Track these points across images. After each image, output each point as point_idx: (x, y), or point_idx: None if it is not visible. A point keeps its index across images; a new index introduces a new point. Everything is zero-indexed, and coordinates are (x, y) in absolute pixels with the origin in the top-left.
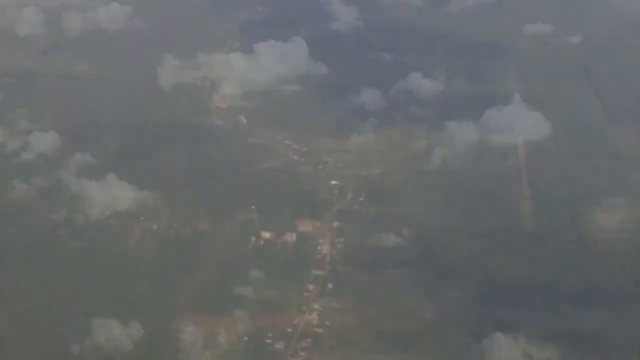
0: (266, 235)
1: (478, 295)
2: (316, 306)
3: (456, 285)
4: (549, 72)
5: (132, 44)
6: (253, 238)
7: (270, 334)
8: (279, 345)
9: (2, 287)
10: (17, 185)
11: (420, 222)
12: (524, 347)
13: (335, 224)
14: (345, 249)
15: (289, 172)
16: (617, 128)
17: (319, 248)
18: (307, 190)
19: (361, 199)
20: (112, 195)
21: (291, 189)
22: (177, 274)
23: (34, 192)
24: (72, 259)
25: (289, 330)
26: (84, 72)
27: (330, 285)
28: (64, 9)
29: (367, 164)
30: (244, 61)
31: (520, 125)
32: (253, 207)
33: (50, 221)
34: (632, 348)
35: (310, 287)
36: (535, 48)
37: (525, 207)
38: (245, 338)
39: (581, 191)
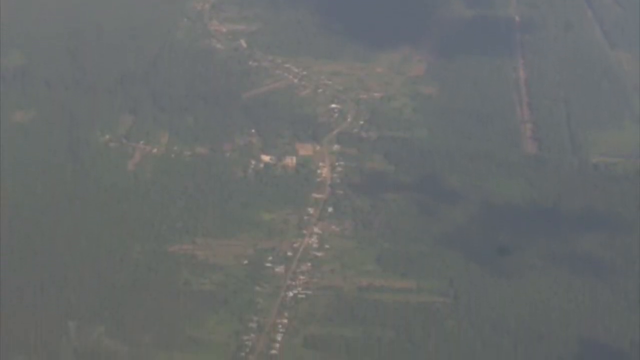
0: (266, 158)
1: (478, 219)
2: (316, 230)
3: (456, 208)
4: None
5: None
6: (253, 162)
7: (270, 258)
8: (279, 269)
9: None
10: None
11: (420, 145)
12: None
13: (335, 147)
14: (345, 173)
15: (289, 96)
16: (617, 51)
17: (318, 172)
18: (307, 114)
19: (361, 122)
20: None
21: (291, 112)
22: (177, 198)
23: (33, 115)
24: (72, 181)
25: (289, 253)
26: None
27: (330, 209)
28: None
29: (367, 87)
30: None
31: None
32: (253, 130)
33: (51, 144)
34: (631, 271)
35: (311, 210)
36: None
37: (525, 130)
38: (245, 261)
39: (581, 114)
